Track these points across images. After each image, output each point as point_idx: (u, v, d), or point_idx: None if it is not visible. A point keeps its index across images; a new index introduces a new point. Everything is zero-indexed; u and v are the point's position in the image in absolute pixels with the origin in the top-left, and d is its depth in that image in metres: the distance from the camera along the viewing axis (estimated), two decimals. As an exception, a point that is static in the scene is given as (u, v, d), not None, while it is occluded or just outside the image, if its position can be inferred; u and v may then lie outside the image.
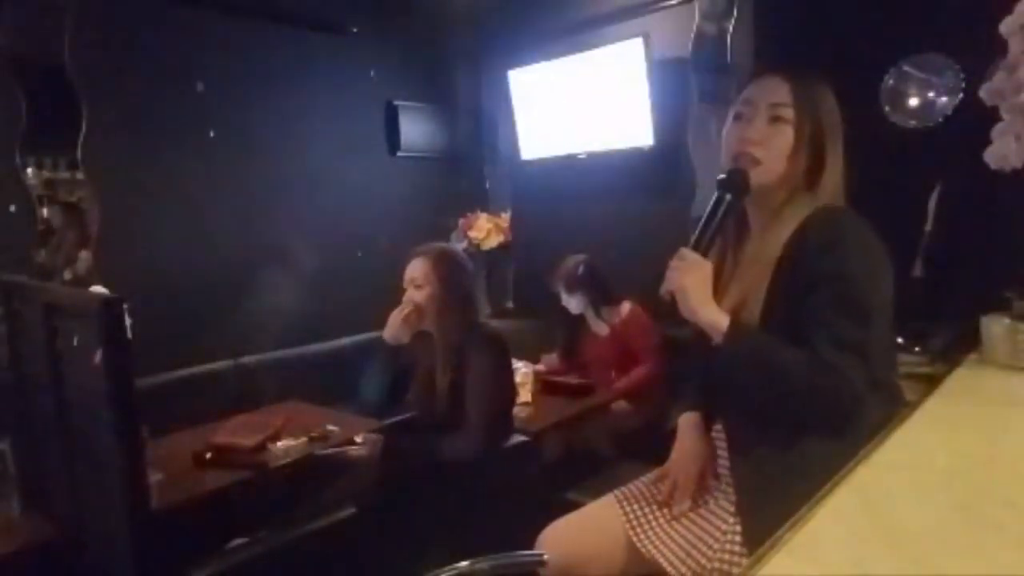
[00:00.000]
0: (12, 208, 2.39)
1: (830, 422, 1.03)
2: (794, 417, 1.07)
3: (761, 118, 1.12)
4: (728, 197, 1.11)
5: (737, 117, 1.16)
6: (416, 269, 1.96)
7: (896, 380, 1.20)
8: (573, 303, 2.78)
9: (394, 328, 1.95)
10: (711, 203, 1.12)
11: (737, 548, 1.08)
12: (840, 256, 1.04)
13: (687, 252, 1.11)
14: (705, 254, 1.11)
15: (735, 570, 1.06)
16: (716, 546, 1.13)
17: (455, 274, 1.97)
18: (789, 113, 1.10)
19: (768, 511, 1.02)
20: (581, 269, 2.74)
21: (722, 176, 1.13)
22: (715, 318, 1.08)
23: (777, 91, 1.12)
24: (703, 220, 1.12)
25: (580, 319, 2.84)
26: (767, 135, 1.11)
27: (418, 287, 1.94)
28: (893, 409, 1.16)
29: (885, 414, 1.11)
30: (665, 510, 1.25)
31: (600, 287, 2.76)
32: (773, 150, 1.11)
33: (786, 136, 1.10)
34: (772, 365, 1.04)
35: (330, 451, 1.92)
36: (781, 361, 1.03)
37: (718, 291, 1.17)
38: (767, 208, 1.16)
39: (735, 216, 1.19)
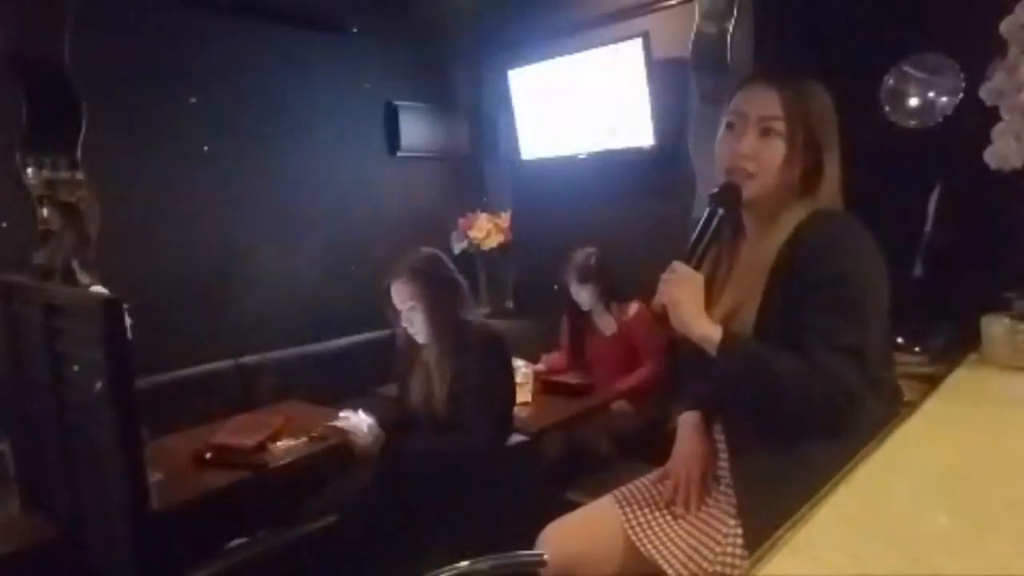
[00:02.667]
0: (4, 222, 2.39)
1: (828, 425, 1.03)
2: (791, 422, 1.07)
3: (752, 131, 1.12)
4: (720, 211, 1.12)
5: (729, 127, 1.16)
6: (403, 295, 1.92)
7: (895, 378, 1.20)
8: (584, 295, 2.78)
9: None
10: (704, 217, 1.13)
11: (739, 551, 1.08)
12: (836, 259, 1.04)
13: (679, 265, 1.11)
14: (698, 267, 1.12)
15: (737, 573, 1.06)
16: (718, 549, 1.13)
17: (437, 287, 1.93)
18: (780, 126, 1.10)
19: (769, 513, 1.02)
20: (593, 260, 2.75)
21: (714, 191, 1.14)
22: (707, 331, 1.08)
23: (767, 102, 1.11)
24: (696, 233, 1.13)
25: (586, 316, 2.85)
26: (758, 149, 1.11)
27: (412, 310, 1.93)
28: (893, 408, 1.16)
29: (885, 413, 1.12)
30: (666, 511, 1.25)
31: (611, 280, 2.77)
32: (765, 163, 1.11)
33: (777, 149, 1.10)
34: (767, 375, 1.04)
35: (335, 424, 1.91)
36: (776, 370, 1.03)
37: (712, 297, 1.17)
38: (762, 216, 1.16)
39: (730, 225, 1.20)
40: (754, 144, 1.11)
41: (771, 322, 1.08)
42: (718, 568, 1.10)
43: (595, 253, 2.78)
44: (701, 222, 1.13)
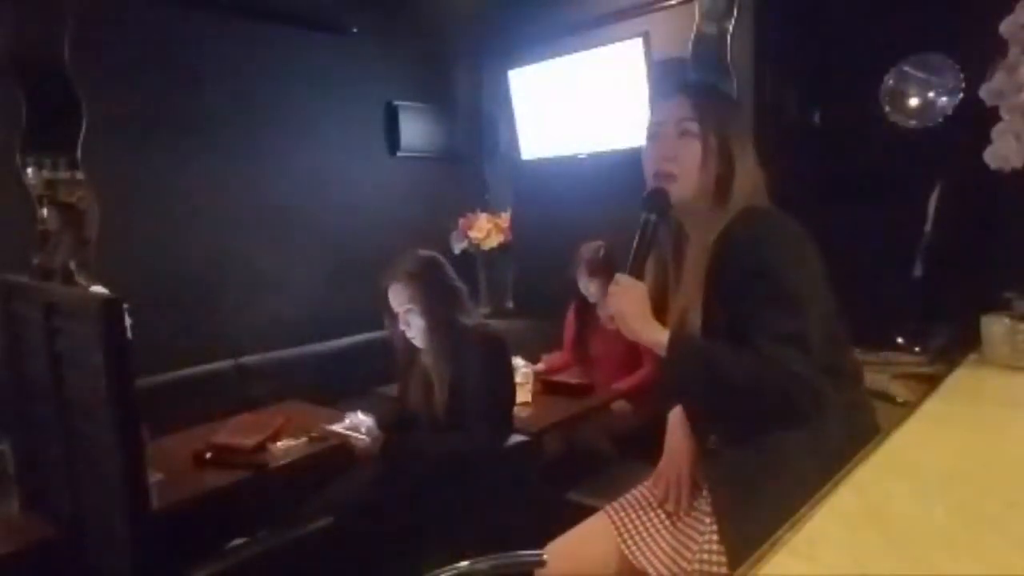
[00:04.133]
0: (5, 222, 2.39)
1: (786, 415, 1.05)
2: (750, 416, 1.09)
3: (671, 135, 1.20)
4: (652, 217, 1.17)
5: (651, 137, 1.24)
6: (401, 298, 1.92)
7: (853, 362, 1.22)
8: (593, 288, 2.79)
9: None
10: (640, 225, 1.18)
11: (715, 547, 1.09)
12: (761, 253, 1.07)
13: (621, 276, 1.16)
14: (640, 275, 1.16)
15: (714, 570, 1.08)
16: (696, 548, 1.15)
17: (434, 291, 1.93)
18: (694, 127, 1.17)
19: (742, 509, 1.04)
20: (602, 253, 2.78)
21: (643, 197, 1.20)
22: (656, 336, 1.12)
23: (681, 108, 1.20)
24: (635, 243, 1.18)
25: (591, 310, 2.86)
26: (678, 149, 1.18)
27: (409, 312, 1.93)
28: (853, 393, 1.18)
29: (847, 398, 1.13)
30: (653, 516, 1.27)
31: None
32: (685, 163, 1.17)
33: (694, 148, 1.17)
34: (716, 372, 1.07)
35: (334, 428, 1.92)
36: (724, 366, 1.06)
37: (665, 303, 1.23)
38: (694, 219, 1.22)
39: (670, 232, 1.26)
40: (674, 146, 1.19)
41: (715, 321, 1.12)
42: (696, 567, 1.11)
43: (603, 246, 2.80)
44: (639, 231, 1.17)
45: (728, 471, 1.14)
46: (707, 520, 1.14)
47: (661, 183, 1.19)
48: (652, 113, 1.27)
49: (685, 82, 1.19)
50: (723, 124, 1.18)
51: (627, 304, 1.14)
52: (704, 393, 1.14)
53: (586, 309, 2.89)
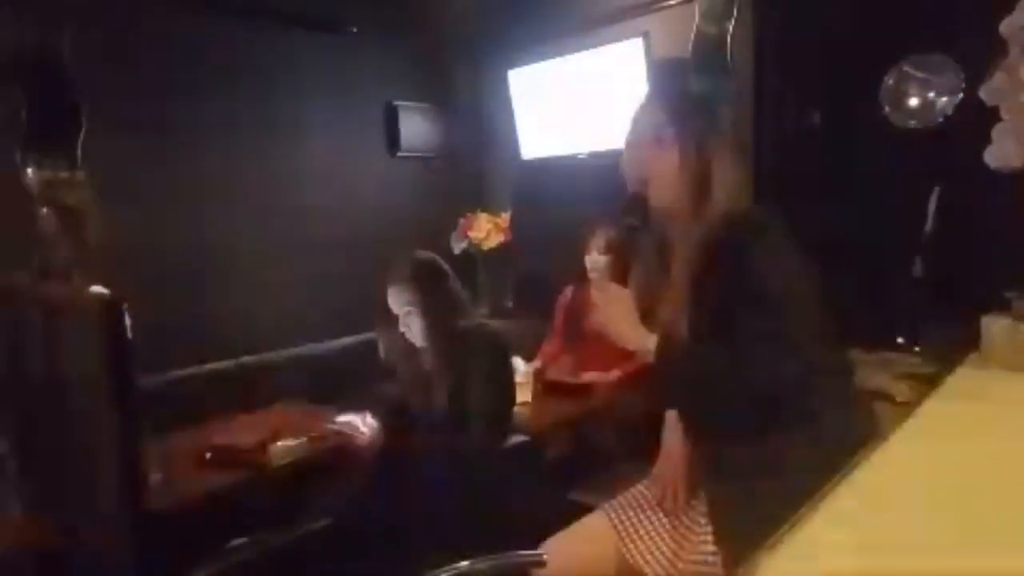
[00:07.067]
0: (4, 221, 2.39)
1: (775, 415, 1.06)
2: (740, 417, 1.10)
3: (648, 143, 1.21)
4: (633, 222, 1.21)
5: (628, 146, 1.26)
6: (400, 300, 1.93)
7: (844, 357, 1.22)
8: (602, 264, 2.78)
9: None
10: (623, 231, 1.23)
11: (711, 548, 1.10)
12: (740, 255, 1.08)
13: (605, 283, 1.20)
14: (623, 282, 1.20)
15: (710, 570, 1.08)
16: (691, 547, 1.16)
17: (434, 292, 1.94)
18: (669, 134, 1.19)
19: (737, 510, 1.05)
20: (617, 233, 2.77)
21: (623, 205, 1.23)
22: (642, 341, 1.15)
23: (656, 114, 1.22)
24: (616, 249, 1.21)
25: (587, 291, 2.84)
26: (654, 158, 1.20)
27: (409, 315, 1.94)
28: (847, 390, 1.19)
29: (840, 397, 1.14)
30: (652, 516, 1.28)
31: (627, 254, 2.78)
32: (662, 171, 1.19)
33: (671, 156, 1.19)
34: (703, 374, 1.09)
35: (335, 425, 1.92)
36: (710, 368, 1.08)
37: (653, 312, 1.24)
38: (677, 226, 1.23)
39: (652, 238, 1.28)
40: (651, 154, 1.20)
41: (701, 324, 1.13)
42: (691, 568, 1.12)
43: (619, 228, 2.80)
44: (620, 238, 1.21)
45: (722, 472, 1.14)
46: (703, 521, 1.15)
47: (638, 189, 1.21)
48: (631, 122, 1.28)
49: (658, 88, 1.24)
50: (700, 129, 1.19)
51: (613, 311, 1.17)
52: (693, 396, 1.16)
53: (584, 288, 2.87)
